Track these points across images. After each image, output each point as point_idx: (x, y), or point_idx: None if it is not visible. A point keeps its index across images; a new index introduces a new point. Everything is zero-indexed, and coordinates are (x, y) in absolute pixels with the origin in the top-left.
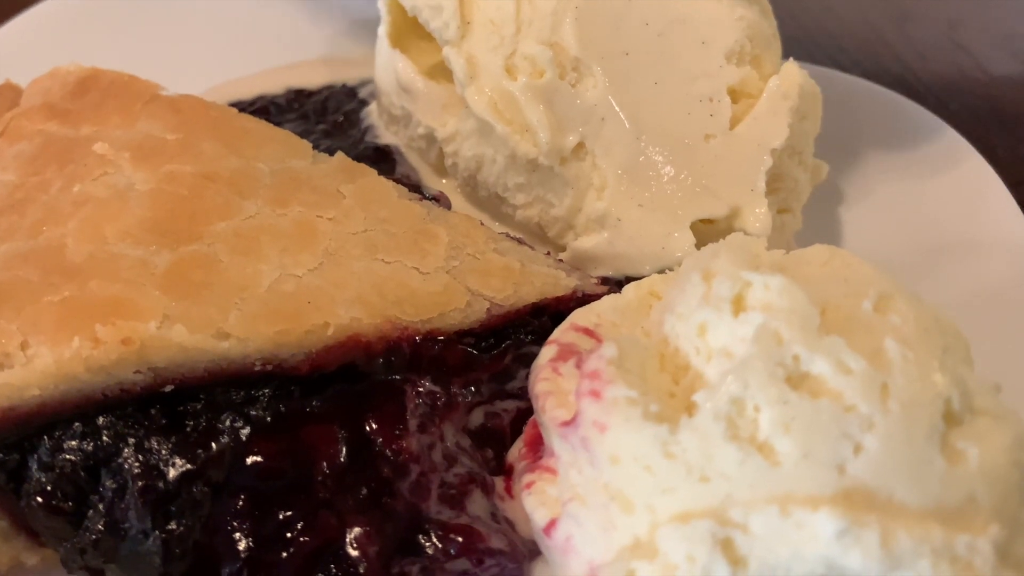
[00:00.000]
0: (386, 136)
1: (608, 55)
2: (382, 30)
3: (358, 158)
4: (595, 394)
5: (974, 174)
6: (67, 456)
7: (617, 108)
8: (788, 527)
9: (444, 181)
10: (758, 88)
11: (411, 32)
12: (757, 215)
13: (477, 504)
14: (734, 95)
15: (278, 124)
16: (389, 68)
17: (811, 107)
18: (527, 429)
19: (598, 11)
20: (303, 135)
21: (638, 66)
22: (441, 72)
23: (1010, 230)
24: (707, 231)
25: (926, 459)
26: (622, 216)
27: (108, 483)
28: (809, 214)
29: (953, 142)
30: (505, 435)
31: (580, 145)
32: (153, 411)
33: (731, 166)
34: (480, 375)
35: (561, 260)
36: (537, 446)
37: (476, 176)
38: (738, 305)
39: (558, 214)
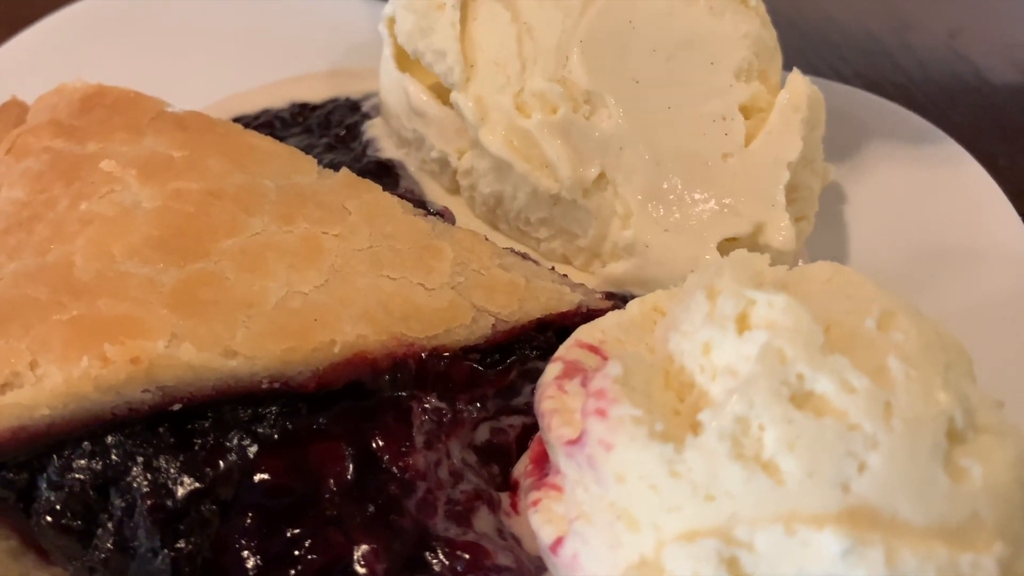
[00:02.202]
0: (388, 150)
1: (618, 84)
2: (387, 52)
3: (361, 172)
4: (601, 413)
5: (975, 185)
6: (76, 475)
7: (634, 136)
8: (793, 545)
9: (454, 198)
10: (767, 101)
11: None
12: (780, 229)
13: (484, 521)
14: (745, 111)
15: (282, 138)
16: (398, 90)
17: (818, 115)
18: (533, 446)
19: (603, 42)
20: (307, 149)
21: (650, 92)
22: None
23: (1011, 241)
24: (733, 249)
25: (930, 477)
26: (650, 242)
27: (117, 502)
28: None
29: (953, 153)
30: (511, 451)
31: (601, 175)
32: (161, 429)
33: (750, 183)
34: (486, 391)
35: (565, 275)
36: (543, 463)
37: (496, 210)
38: (742, 323)
39: (583, 245)
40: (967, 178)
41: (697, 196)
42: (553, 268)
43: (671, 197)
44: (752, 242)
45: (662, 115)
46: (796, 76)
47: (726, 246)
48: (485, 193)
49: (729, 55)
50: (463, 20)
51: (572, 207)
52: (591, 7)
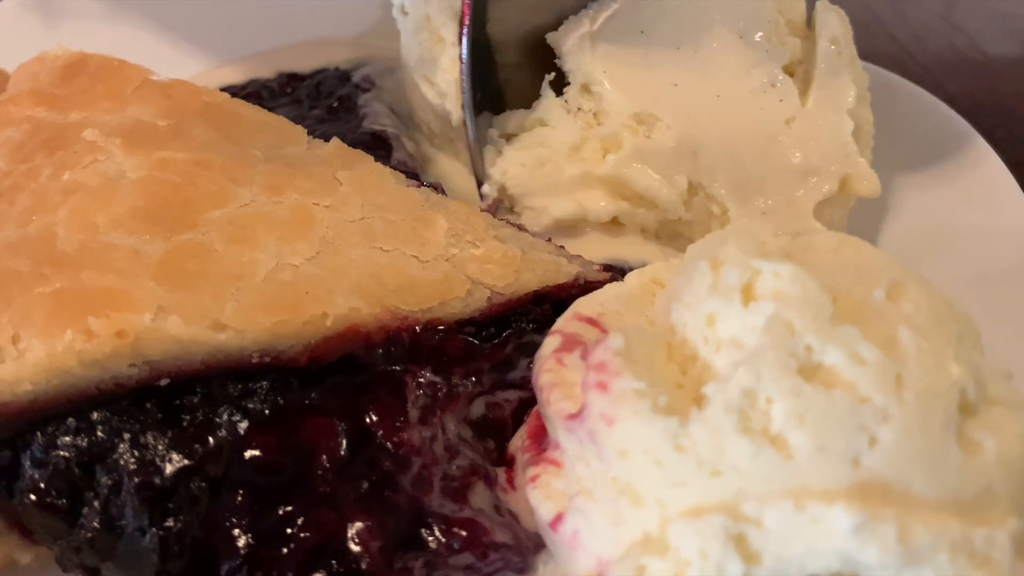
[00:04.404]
0: (389, 125)
1: (660, 95)
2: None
3: (354, 144)
4: (602, 386)
5: (975, 156)
6: (61, 452)
7: (699, 136)
8: (803, 522)
9: None
10: (803, 49)
11: None
12: (864, 177)
13: (480, 497)
14: (788, 69)
15: (271, 109)
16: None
17: (850, 38)
18: (530, 420)
19: (625, 61)
20: (297, 120)
21: (692, 89)
22: None
23: (1013, 213)
24: (825, 211)
25: (943, 450)
26: None
27: (103, 479)
28: None
29: (953, 123)
30: (507, 426)
31: (689, 184)
32: (149, 405)
33: (819, 140)
34: (481, 365)
35: (562, 247)
36: (541, 438)
37: None
38: (748, 294)
39: None
40: (968, 150)
41: (778, 170)
42: (550, 239)
43: (756, 181)
44: (842, 196)
45: (715, 106)
46: (824, 11)
47: (819, 210)
48: None
49: (755, 23)
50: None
51: (677, 224)
52: (599, 35)
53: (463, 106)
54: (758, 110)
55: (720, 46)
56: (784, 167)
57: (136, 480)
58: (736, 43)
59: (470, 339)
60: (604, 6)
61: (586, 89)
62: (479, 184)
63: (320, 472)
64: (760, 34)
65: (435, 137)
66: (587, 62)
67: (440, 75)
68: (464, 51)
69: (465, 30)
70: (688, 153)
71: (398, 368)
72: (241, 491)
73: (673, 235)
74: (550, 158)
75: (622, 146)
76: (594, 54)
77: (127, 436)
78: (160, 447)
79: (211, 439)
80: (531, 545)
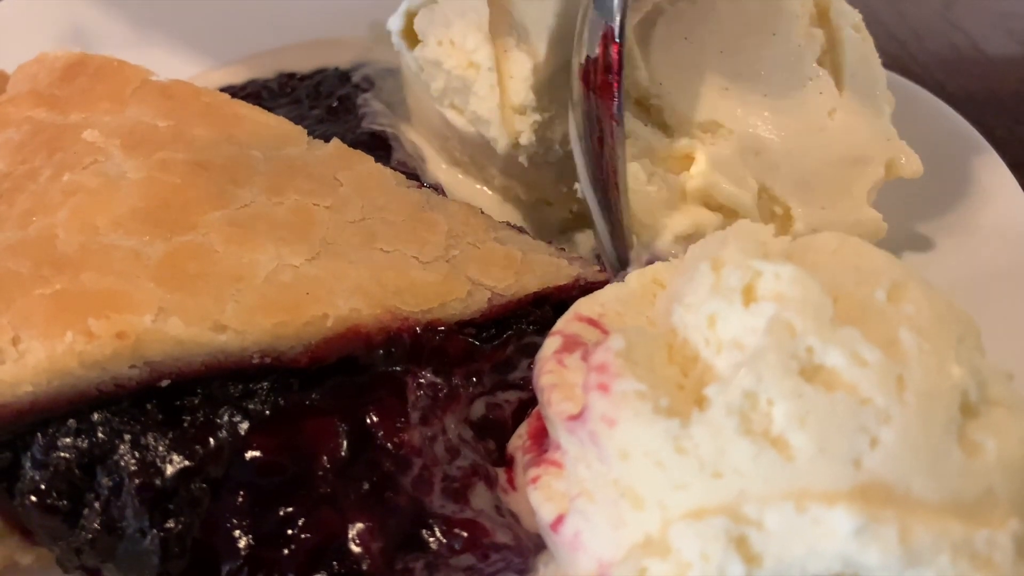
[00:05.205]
0: (387, 125)
1: (715, 101)
2: (411, 64)
3: (354, 144)
4: (603, 388)
5: (975, 155)
6: (61, 453)
7: (757, 138)
8: (804, 523)
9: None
10: (828, 37)
11: None
12: (907, 160)
13: (481, 497)
14: (818, 61)
15: (271, 109)
16: (442, 119)
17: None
18: (530, 421)
19: (677, 71)
20: (297, 120)
21: (741, 92)
22: None
23: (1014, 213)
24: (874, 197)
25: (944, 452)
26: (817, 226)
27: (104, 481)
28: None
29: (953, 122)
30: (507, 426)
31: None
32: (149, 406)
33: (861, 127)
34: (481, 366)
35: (563, 248)
36: (541, 438)
37: None
38: (748, 295)
39: None
40: (968, 149)
41: (830, 162)
42: (551, 242)
43: (811, 176)
44: (886, 180)
45: (765, 106)
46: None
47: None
48: None
49: (784, 20)
50: (499, 79)
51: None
52: (644, 47)
53: (584, 178)
54: (802, 105)
55: (758, 46)
56: (834, 158)
57: (137, 481)
58: (772, 41)
59: (471, 340)
60: (635, 9)
61: (641, 103)
62: (619, 251)
63: (321, 473)
64: (791, 30)
65: (461, 164)
66: (640, 76)
67: (476, 102)
68: (617, 103)
69: (620, 80)
70: (751, 155)
71: (399, 369)
72: (242, 492)
73: None
74: (653, 171)
75: (696, 157)
76: (646, 66)
77: (128, 437)
78: (161, 448)
79: (212, 440)
80: (532, 546)
